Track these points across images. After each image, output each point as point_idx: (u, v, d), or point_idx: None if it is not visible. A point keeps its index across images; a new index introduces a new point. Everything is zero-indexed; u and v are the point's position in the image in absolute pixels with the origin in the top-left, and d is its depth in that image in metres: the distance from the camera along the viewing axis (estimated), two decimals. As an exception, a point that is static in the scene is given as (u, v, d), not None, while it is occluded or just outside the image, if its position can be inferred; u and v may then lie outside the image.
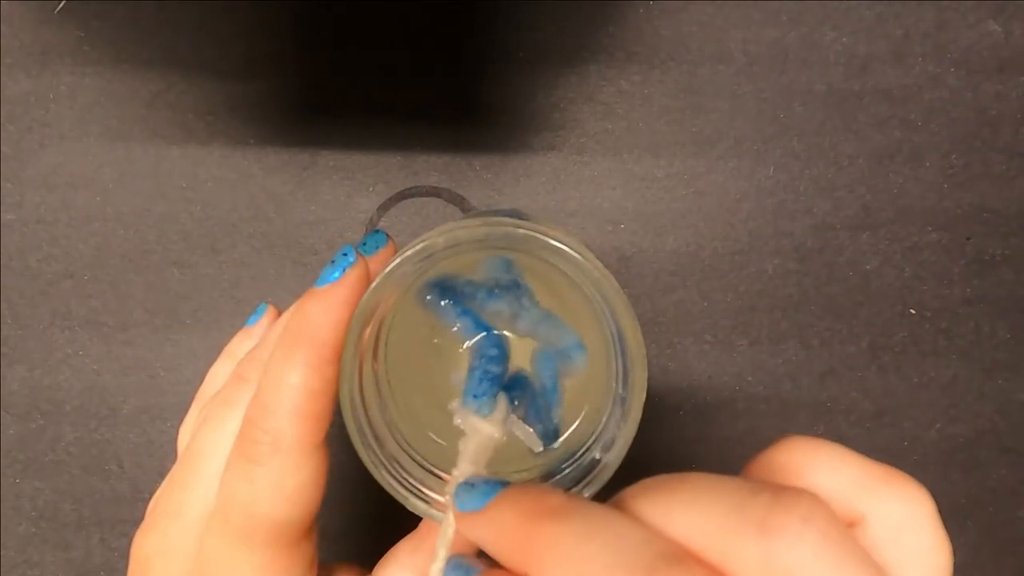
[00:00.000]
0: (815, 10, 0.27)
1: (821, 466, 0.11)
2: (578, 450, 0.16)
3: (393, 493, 0.16)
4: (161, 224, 0.27)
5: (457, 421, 0.16)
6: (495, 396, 0.16)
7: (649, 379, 0.15)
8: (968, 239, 0.28)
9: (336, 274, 0.15)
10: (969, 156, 0.28)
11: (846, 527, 0.10)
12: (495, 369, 0.16)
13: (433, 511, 0.16)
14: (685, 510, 0.10)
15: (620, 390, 0.16)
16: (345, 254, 0.15)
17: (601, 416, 0.17)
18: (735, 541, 0.10)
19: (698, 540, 0.10)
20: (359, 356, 0.16)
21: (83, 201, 0.27)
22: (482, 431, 0.15)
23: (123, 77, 0.27)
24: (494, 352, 0.16)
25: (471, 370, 0.16)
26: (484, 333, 0.16)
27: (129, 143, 0.27)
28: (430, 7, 0.27)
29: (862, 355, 0.28)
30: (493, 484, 0.12)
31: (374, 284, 0.15)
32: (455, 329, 0.17)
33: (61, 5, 0.26)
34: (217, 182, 0.27)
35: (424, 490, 0.16)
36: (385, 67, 0.27)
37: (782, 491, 0.10)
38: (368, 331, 0.16)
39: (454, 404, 0.16)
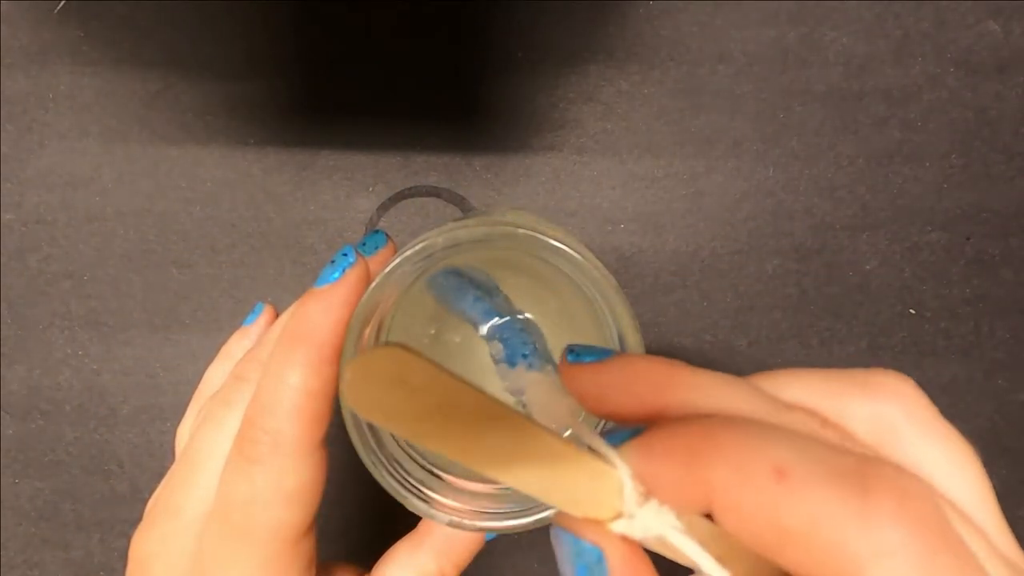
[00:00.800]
0: (815, 10, 0.27)
1: (790, 387, 0.12)
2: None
3: (393, 493, 0.16)
4: (160, 224, 0.27)
5: (507, 385, 0.15)
6: (538, 353, 0.16)
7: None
8: (968, 239, 0.28)
9: (336, 274, 0.15)
10: (969, 156, 0.28)
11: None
12: (529, 336, 0.16)
13: (434, 511, 0.16)
14: (796, 382, 0.11)
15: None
16: (345, 254, 0.15)
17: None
18: (846, 400, 0.11)
19: (811, 403, 0.11)
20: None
21: (82, 201, 0.27)
22: (544, 379, 0.15)
23: (122, 77, 0.27)
24: (521, 324, 0.16)
25: (506, 340, 0.16)
26: (502, 317, 0.16)
27: (128, 143, 0.27)
28: (430, 7, 0.27)
29: (862, 355, 0.28)
30: (606, 348, 0.12)
31: (374, 284, 0.15)
32: (471, 314, 0.17)
33: (60, 5, 0.26)
34: (216, 182, 0.27)
35: (424, 490, 0.16)
36: (385, 67, 0.27)
37: (872, 369, 0.11)
38: (368, 331, 0.16)
39: (499, 372, 0.16)
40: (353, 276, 0.15)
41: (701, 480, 0.09)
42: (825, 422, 0.11)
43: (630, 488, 0.10)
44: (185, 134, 0.27)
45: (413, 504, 0.16)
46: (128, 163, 0.27)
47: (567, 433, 0.14)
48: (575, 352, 0.12)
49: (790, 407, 0.11)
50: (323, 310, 0.14)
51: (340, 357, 0.15)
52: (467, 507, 0.16)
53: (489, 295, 0.17)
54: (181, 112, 0.27)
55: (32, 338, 0.27)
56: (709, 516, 0.10)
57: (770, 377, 0.12)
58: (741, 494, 0.09)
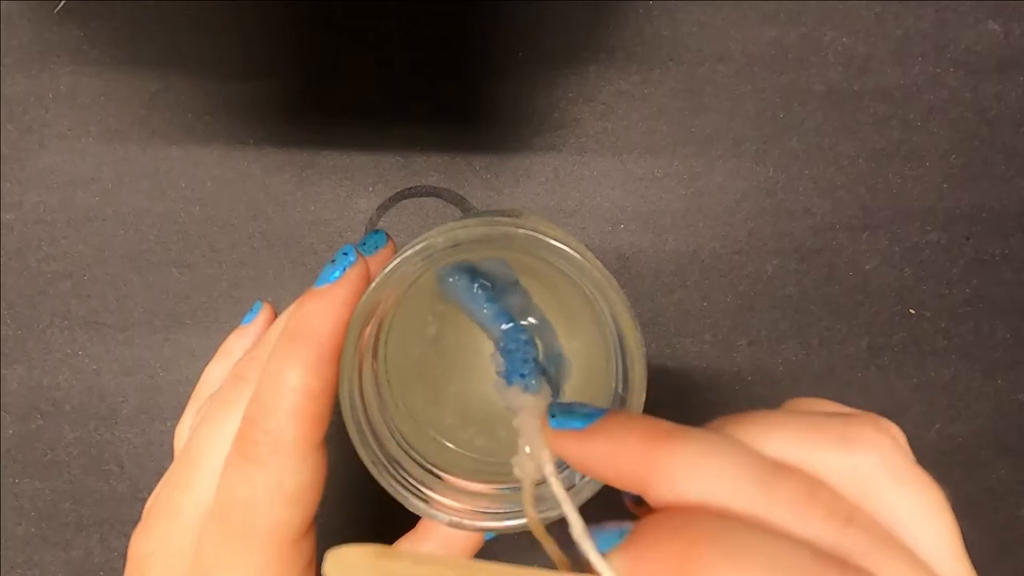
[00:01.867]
0: (814, 10, 0.27)
1: (772, 439, 0.12)
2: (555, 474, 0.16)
3: (393, 493, 0.16)
4: (160, 224, 0.27)
5: (504, 402, 0.15)
6: (539, 375, 0.16)
7: (649, 379, 0.15)
8: (967, 239, 0.28)
9: (336, 274, 0.15)
10: (968, 156, 0.28)
11: (902, 439, 0.12)
12: (533, 352, 0.16)
13: (433, 510, 0.16)
14: (774, 433, 0.12)
15: (620, 390, 0.16)
16: (345, 253, 0.15)
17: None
18: (823, 454, 0.11)
19: (792, 457, 0.11)
20: (359, 356, 0.16)
21: (82, 201, 0.27)
22: (537, 406, 0.15)
23: (122, 77, 0.27)
24: (528, 336, 0.16)
25: (509, 352, 0.16)
26: (511, 321, 0.16)
27: (128, 143, 0.27)
28: (430, 7, 0.27)
29: (862, 355, 0.28)
30: (592, 408, 0.13)
31: (374, 284, 0.15)
32: (481, 315, 0.16)
33: (60, 5, 0.26)
34: (216, 182, 0.27)
35: (424, 490, 0.16)
36: (385, 67, 0.27)
37: (850, 414, 0.12)
38: (368, 331, 0.16)
39: (496, 384, 0.16)
40: (354, 275, 0.15)
41: None
42: (813, 487, 0.11)
43: None
44: (185, 134, 0.27)
45: (413, 504, 0.16)
46: (128, 163, 0.27)
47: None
48: (559, 416, 0.13)
49: (779, 470, 0.11)
50: (323, 310, 0.14)
51: (340, 357, 0.15)
52: (467, 507, 0.16)
53: (504, 291, 0.17)
54: (181, 112, 0.27)
55: (32, 338, 0.27)
56: None
57: (749, 424, 0.12)
58: None
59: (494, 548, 0.28)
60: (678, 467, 0.11)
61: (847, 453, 0.11)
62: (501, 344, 0.16)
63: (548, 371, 0.16)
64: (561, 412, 0.13)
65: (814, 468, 0.11)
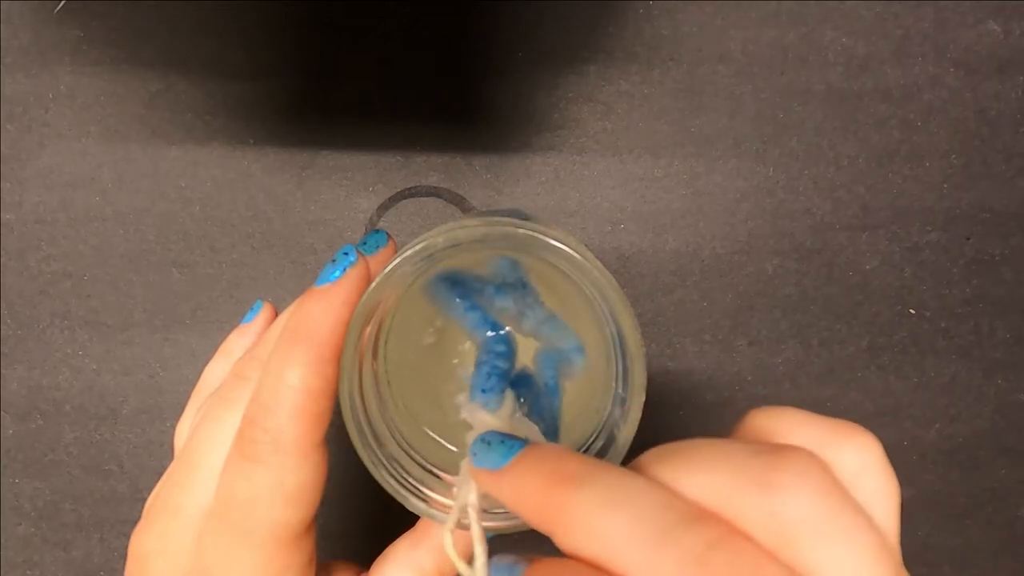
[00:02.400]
0: (814, 10, 0.27)
1: (785, 430, 0.12)
2: (578, 449, 0.16)
3: (392, 492, 0.16)
4: (160, 224, 0.27)
5: (464, 415, 0.16)
6: (503, 392, 0.16)
7: (649, 379, 0.15)
8: (968, 239, 0.28)
9: (336, 273, 0.15)
10: (968, 156, 0.28)
11: (834, 477, 0.11)
12: (503, 365, 0.16)
13: (432, 510, 0.16)
14: (697, 472, 0.11)
15: (620, 390, 0.16)
16: (346, 253, 0.15)
17: (601, 416, 0.17)
18: (742, 499, 0.11)
19: (711, 499, 0.11)
20: (359, 356, 0.16)
21: (82, 201, 0.27)
22: (489, 426, 0.15)
23: (122, 77, 0.27)
24: (502, 348, 0.16)
25: (479, 365, 0.16)
26: (491, 330, 0.16)
27: (128, 143, 0.27)
28: (430, 7, 0.27)
29: (862, 355, 0.28)
30: (510, 443, 0.13)
31: (374, 284, 0.15)
32: (463, 324, 0.17)
33: (60, 5, 0.26)
34: (216, 182, 0.27)
35: (423, 489, 0.16)
36: (385, 67, 0.27)
37: (779, 450, 0.11)
38: (368, 331, 0.16)
39: (461, 398, 0.16)
40: (354, 275, 0.15)
41: None
42: (713, 546, 0.10)
43: None
44: (185, 134, 0.27)
45: (412, 504, 0.16)
46: (128, 163, 0.27)
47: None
48: (479, 455, 0.13)
49: (682, 522, 0.10)
50: (324, 309, 0.14)
51: (340, 356, 0.15)
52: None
53: (502, 294, 0.17)
54: (181, 112, 0.27)
55: (32, 338, 0.27)
56: None
57: (676, 460, 0.11)
58: None
59: (494, 547, 0.28)
60: (574, 519, 0.11)
61: (768, 497, 0.10)
62: (478, 356, 0.16)
63: (528, 382, 0.16)
64: (481, 449, 0.13)
65: (734, 512, 0.11)
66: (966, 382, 0.28)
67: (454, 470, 0.17)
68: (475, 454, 0.13)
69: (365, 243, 0.16)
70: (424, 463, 0.17)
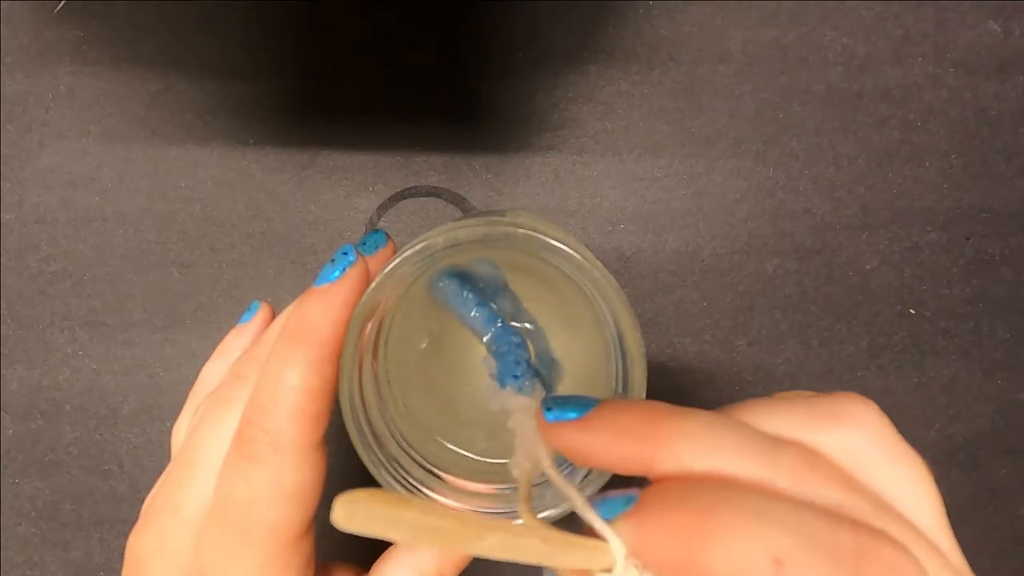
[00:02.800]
0: (814, 10, 0.27)
1: (767, 421, 0.12)
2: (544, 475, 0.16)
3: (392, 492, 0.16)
4: (160, 224, 0.27)
5: (495, 405, 0.15)
6: (533, 376, 0.16)
7: (649, 379, 0.15)
8: (968, 239, 0.28)
9: (336, 273, 0.15)
10: (968, 156, 0.28)
11: (882, 413, 0.12)
12: (524, 354, 0.16)
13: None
14: (771, 415, 0.12)
15: (620, 390, 0.16)
16: (345, 253, 0.15)
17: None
18: (815, 434, 0.12)
19: (787, 436, 0.12)
20: (359, 356, 0.16)
21: (82, 201, 0.27)
22: (531, 407, 0.15)
23: (122, 77, 0.27)
24: (518, 339, 0.16)
25: (501, 355, 0.16)
26: (501, 323, 0.16)
27: (128, 143, 0.27)
28: (430, 7, 0.27)
29: (861, 355, 0.28)
30: (586, 398, 0.13)
31: (374, 284, 0.15)
32: (471, 319, 0.16)
33: (60, 5, 0.26)
34: (216, 182, 0.27)
35: (424, 490, 0.16)
36: (385, 67, 0.27)
37: (835, 395, 0.12)
38: (368, 331, 0.16)
39: (489, 388, 0.16)
40: (354, 275, 0.15)
41: (699, 566, 0.10)
42: (813, 457, 0.11)
43: (621, 565, 0.10)
44: (185, 134, 0.27)
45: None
46: (128, 163, 0.27)
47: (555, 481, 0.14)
48: (553, 409, 0.12)
49: (779, 443, 0.11)
50: (323, 309, 0.14)
51: (340, 356, 0.15)
52: (466, 507, 0.16)
53: (494, 294, 0.17)
54: (181, 112, 0.27)
55: (32, 338, 0.27)
56: None
57: (744, 409, 0.12)
58: None
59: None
60: (681, 443, 0.11)
61: (837, 430, 0.12)
62: (492, 348, 0.16)
63: (541, 373, 0.16)
64: (556, 404, 0.13)
65: (811, 445, 0.12)
66: (966, 382, 0.28)
67: (455, 470, 0.17)
68: (550, 408, 0.13)
69: (364, 243, 0.16)
70: (424, 463, 0.17)
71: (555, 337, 0.18)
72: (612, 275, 0.15)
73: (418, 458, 0.17)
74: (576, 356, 0.18)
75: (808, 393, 0.13)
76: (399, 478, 0.16)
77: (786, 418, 0.12)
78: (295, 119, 0.27)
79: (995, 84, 0.27)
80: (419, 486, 0.16)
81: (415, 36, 0.27)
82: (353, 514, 0.09)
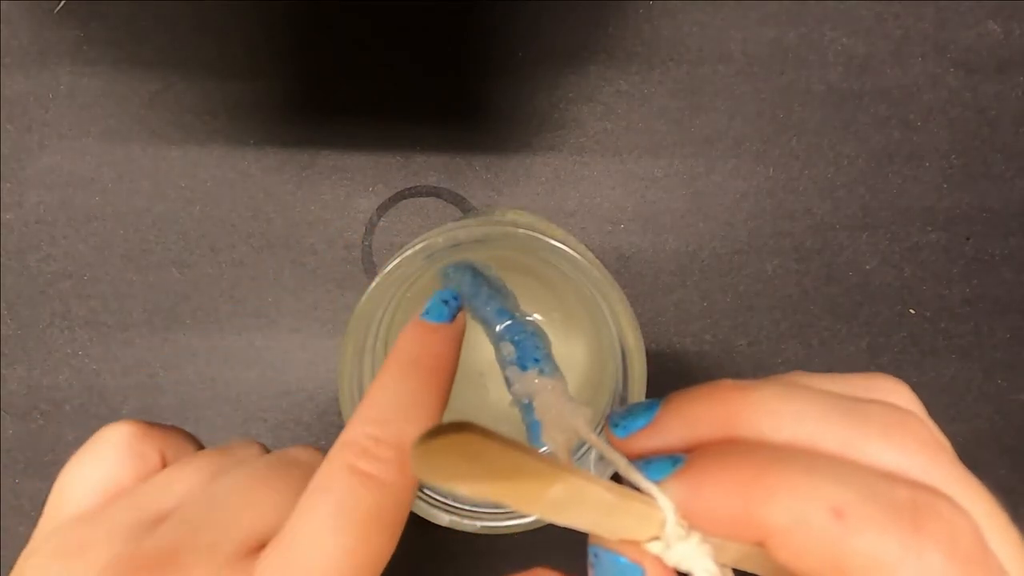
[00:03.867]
0: (814, 10, 0.27)
1: (797, 428, 0.11)
2: (578, 448, 0.16)
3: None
4: (160, 224, 0.27)
5: (516, 387, 0.15)
6: (552, 360, 0.15)
7: (649, 379, 0.15)
8: (968, 239, 0.28)
9: (447, 314, 0.14)
10: (968, 156, 0.28)
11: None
12: (541, 341, 0.16)
13: (434, 510, 0.16)
14: (825, 385, 0.12)
15: (620, 390, 0.16)
16: (455, 297, 0.15)
17: (601, 415, 0.17)
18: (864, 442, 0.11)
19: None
20: (360, 356, 0.16)
21: (82, 201, 0.27)
22: (556, 386, 0.15)
23: (122, 77, 0.27)
24: (532, 328, 0.16)
25: (519, 342, 0.16)
26: (511, 319, 0.16)
27: (128, 143, 0.27)
28: (430, 7, 0.27)
29: (861, 355, 0.28)
30: (646, 403, 0.12)
31: (374, 284, 0.15)
32: (482, 310, 0.16)
33: (60, 5, 0.26)
34: (216, 182, 0.27)
35: (425, 490, 0.16)
36: (384, 67, 0.27)
37: (866, 372, 0.12)
38: (369, 331, 0.16)
39: (510, 373, 0.16)
40: (463, 318, 0.15)
41: (756, 522, 0.10)
42: (903, 416, 0.11)
43: (672, 524, 0.10)
44: (185, 134, 0.27)
45: (413, 504, 0.16)
46: (128, 163, 0.27)
47: (587, 454, 0.14)
48: (620, 424, 0.12)
49: (860, 402, 0.11)
50: (444, 339, 0.14)
51: (340, 357, 0.15)
52: (467, 507, 0.16)
53: (501, 295, 0.17)
54: (181, 112, 0.27)
55: (32, 338, 0.27)
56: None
57: (802, 377, 0.12)
58: (799, 535, 0.09)
59: (498, 547, 0.28)
60: (760, 415, 0.11)
61: (888, 448, 0.11)
62: (509, 337, 0.16)
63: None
64: (621, 418, 0.12)
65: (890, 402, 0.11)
66: (966, 382, 0.28)
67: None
68: (617, 424, 0.12)
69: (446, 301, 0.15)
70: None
71: (555, 337, 0.18)
72: (612, 275, 0.15)
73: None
74: (576, 356, 0.18)
75: (825, 374, 0.12)
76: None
77: (836, 388, 0.11)
78: (295, 119, 0.27)
79: (995, 84, 0.27)
80: (422, 487, 0.16)
81: (415, 36, 0.27)
82: (432, 452, 0.08)
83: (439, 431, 0.08)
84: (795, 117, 0.27)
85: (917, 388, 0.12)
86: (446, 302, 0.14)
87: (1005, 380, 0.28)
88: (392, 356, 0.14)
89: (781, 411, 0.11)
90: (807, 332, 0.28)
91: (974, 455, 0.28)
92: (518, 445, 0.09)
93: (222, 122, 0.27)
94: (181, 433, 0.16)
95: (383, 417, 0.13)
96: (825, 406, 0.11)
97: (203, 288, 0.27)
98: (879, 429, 0.10)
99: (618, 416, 0.12)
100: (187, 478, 0.14)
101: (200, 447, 0.16)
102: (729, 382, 0.11)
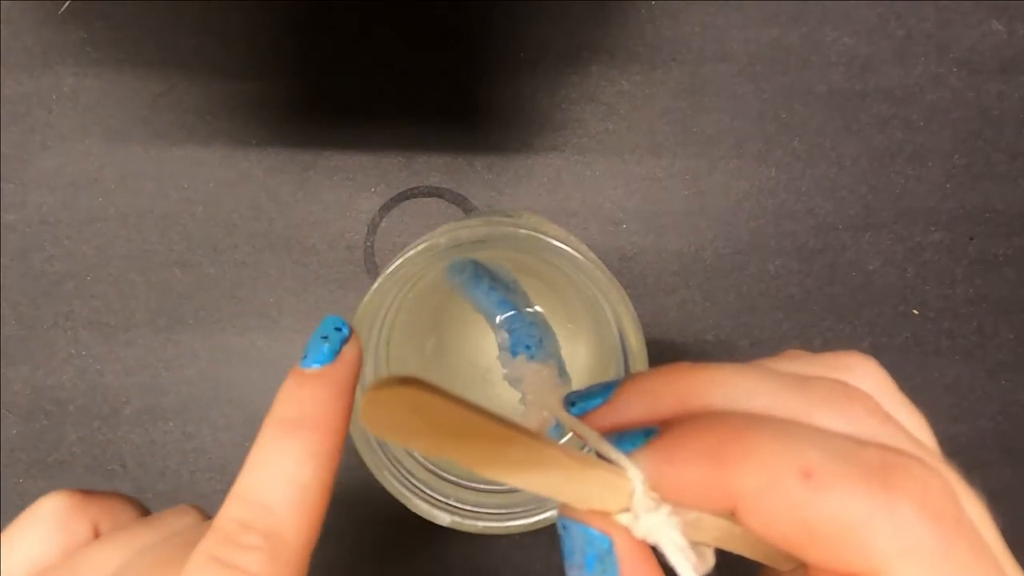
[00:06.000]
0: (816, 10, 0.27)
1: (784, 368, 0.12)
2: (580, 449, 0.16)
3: (395, 494, 0.16)
4: (163, 224, 0.27)
5: (506, 371, 0.15)
6: (545, 350, 0.16)
7: (651, 380, 0.15)
8: (971, 239, 0.28)
9: (329, 352, 0.12)
10: (972, 156, 0.28)
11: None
12: (536, 331, 0.16)
13: (435, 511, 0.16)
14: (784, 366, 0.12)
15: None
16: (338, 328, 0.13)
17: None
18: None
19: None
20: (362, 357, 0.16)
21: (85, 202, 0.27)
22: (543, 372, 0.15)
23: (125, 78, 0.27)
24: (529, 319, 0.16)
25: (513, 331, 0.16)
26: (511, 310, 0.16)
27: (131, 144, 0.27)
28: (432, 7, 0.27)
29: (864, 355, 0.28)
30: (603, 383, 0.12)
31: (376, 285, 0.15)
32: (486, 302, 0.16)
33: (64, 7, 0.26)
34: (218, 183, 0.27)
35: (426, 491, 0.16)
36: (386, 68, 0.27)
37: (835, 352, 0.12)
38: (371, 331, 0.16)
39: (502, 359, 0.16)
40: (354, 353, 0.13)
41: (726, 487, 0.09)
42: (848, 389, 0.11)
43: (640, 494, 0.10)
44: (187, 135, 0.27)
45: (415, 504, 0.16)
46: (131, 164, 0.27)
47: (566, 433, 0.14)
48: (577, 403, 0.12)
49: (811, 379, 0.11)
50: (332, 394, 0.12)
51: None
52: (469, 508, 0.16)
53: (507, 289, 0.17)
54: (183, 113, 0.27)
55: (35, 338, 0.27)
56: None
57: (760, 361, 0.12)
58: (769, 498, 0.09)
59: (497, 547, 0.28)
60: (714, 390, 0.11)
61: (847, 378, 0.11)
62: (507, 326, 0.16)
63: (556, 356, 0.16)
64: (578, 397, 0.12)
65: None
66: (969, 383, 0.28)
67: (456, 471, 0.17)
68: (573, 403, 0.12)
69: (326, 337, 0.13)
70: (427, 464, 0.17)
71: (557, 336, 0.18)
72: (614, 275, 0.15)
73: (422, 459, 0.17)
74: (579, 357, 0.18)
75: (805, 351, 0.13)
76: (401, 480, 0.16)
77: (798, 368, 0.12)
78: (297, 120, 0.27)
79: (998, 84, 0.27)
80: (422, 487, 0.16)
81: (417, 37, 0.27)
82: (377, 403, 0.08)
83: (385, 383, 0.08)
84: (797, 117, 0.27)
85: (920, 389, 0.12)
86: (325, 337, 0.12)
87: (1009, 381, 0.28)
88: (267, 418, 0.12)
89: (736, 387, 0.11)
90: (809, 332, 0.28)
91: (977, 456, 0.28)
92: (470, 404, 0.08)
93: (224, 123, 0.27)
94: (119, 501, 0.15)
95: (253, 496, 0.12)
96: (778, 382, 0.11)
97: (205, 288, 0.27)
98: (824, 400, 0.10)
99: (575, 395, 0.12)
100: (105, 557, 0.13)
101: (142, 511, 0.15)
102: (685, 363, 0.12)
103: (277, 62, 0.27)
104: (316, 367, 0.12)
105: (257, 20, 0.27)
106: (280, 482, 0.12)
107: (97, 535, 0.14)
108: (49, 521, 0.14)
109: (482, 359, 0.19)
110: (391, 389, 0.08)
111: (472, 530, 0.16)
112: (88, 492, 0.15)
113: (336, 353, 0.12)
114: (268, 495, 0.12)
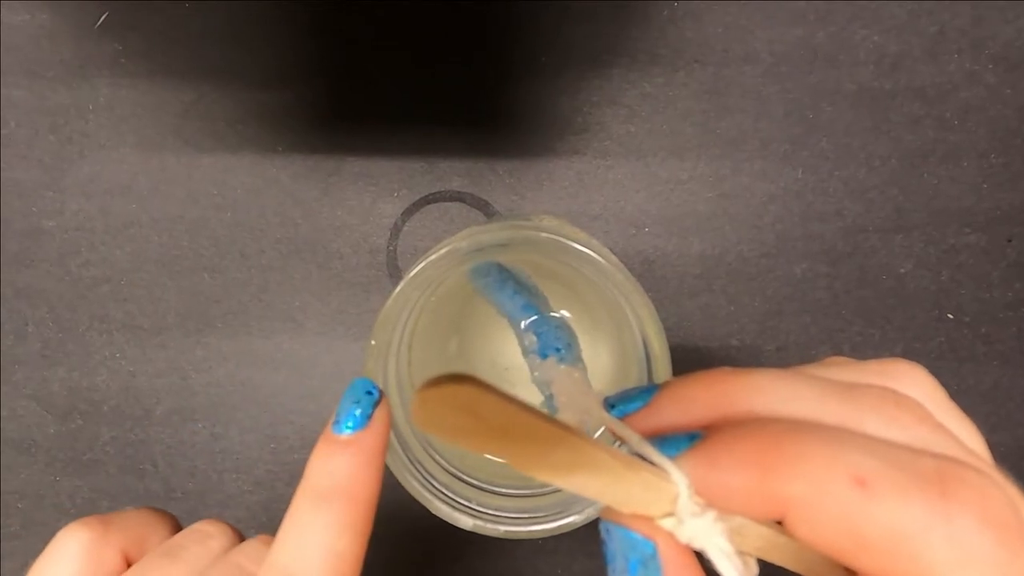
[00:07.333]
0: (844, 8, 0.26)
1: (830, 375, 0.11)
2: (593, 434, 0.16)
3: (417, 496, 0.16)
4: (193, 230, 0.28)
5: (536, 374, 0.15)
6: (574, 353, 0.16)
7: (674, 384, 0.15)
8: (1009, 241, 0.27)
9: (362, 417, 0.12)
10: (1009, 155, 0.27)
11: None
12: (565, 334, 0.16)
13: (457, 514, 0.16)
14: (830, 373, 0.11)
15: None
16: (369, 392, 0.13)
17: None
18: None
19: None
20: (384, 359, 0.16)
21: (119, 208, 0.28)
22: (575, 374, 0.15)
23: (157, 89, 0.28)
24: (556, 322, 0.16)
25: (542, 334, 0.16)
26: (536, 314, 0.16)
27: (163, 152, 0.28)
28: (454, 13, 0.27)
29: (896, 361, 0.27)
30: (643, 387, 0.12)
31: (399, 288, 0.15)
32: (511, 305, 0.16)
33: (101, 21, 0.27)
34: (246, 189, 0.28)
35: (449, 494, 0.16)
36: (408, 74, 0.27)
37: (881, 359, 0.12)
38: (394, 334, 0.16)
39: (530, 362, 0.16)
40: (384, 417, 0.13)
41: (774, 493, 0.09)
42: (898, 397, 0.10)
43: (685, 498, 0.10)
44: (217, 143, 0.28)
45: (437, 507, 0.16)
46: (163, 172, 0.28)
47: (602, 431, 0.14)
48: (617, 405, 0.12)
49: (858, 387, 0.11)
50: (361, 463, 0.12)
51: (365, 360, 0.15)
52: (490, 511, 0.16)
53: (530, 293, 0.17)
54: (213, 121, 0.28)
55: (72, 340, 0.28)
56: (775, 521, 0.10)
57: (805, 367, 0.12)
58: (820, 506, 0.09)
59: (517, 550, 0.28)
60: (756, 396, 0.10)
61: (896, 386, 0.11)
62: (533, 329, 0.16)
63: (581, 360, 0.16)
64: (618, 400, 0.12)
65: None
66: (1008, 389, 0.27)
67: (479, 474, 0.17)
68: (613, 406, 0.12)
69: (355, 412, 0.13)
70: (449, 467, 0.17)
71: (579, 341, 0.17)
72: (636, 279, 0.15)
73: (443, 462, 0.17)
74: (601, 361, 0.18)
75: (849, 359, 0.12)
76: (424, 482, 0.16)
77: (843, 375, 0.11)
78: (321, 127, 0.27)
79: (1037, 80, 0.26)
80: (444, 490, 0.16)
81: (439, 43, 0.27)
82: (429, 400, 0.08)
83: (439, 381, 0.08)
84: (824, 117, 0.27)
85: (955, 396, 0.11)
86: (358, 402, 0.12)
87: (1050, 388, 0.27)
88: (301, 486, 0.12)
89: (779, 393, 0.10)
90: (838, 337, 0.27)
91: (1017, 465, 0.27)
92: (521, 403, 0.08)
93: (252, 131, 0.28)
94: (144, 520, 0.15)
95: (290, 567, 0.12)
96: (823, 389, 0.10)
97: (233, 292, 0.28)
98: (872, 407, 0.10)
99: (615, 398, 0.12)
100: None
101: (168, 523, 0.15)
102: (727, 368, 0.11)
103: (302, 71, 0.27)
104: (348, 433, 0.12)
105: (282, 31, 0.27)
106: (318, 553, 0.12)
107: (127, 561, 0.14)
108: (77, 556, 0.14)
109: (502, 360, 0.19)
110: (444, 387, 0.08)
111: (494, 534, 0.16)
112: (108, 518, 0.14)
113: (368, 418, 0.12)
114: (305, 563, 0.12)
